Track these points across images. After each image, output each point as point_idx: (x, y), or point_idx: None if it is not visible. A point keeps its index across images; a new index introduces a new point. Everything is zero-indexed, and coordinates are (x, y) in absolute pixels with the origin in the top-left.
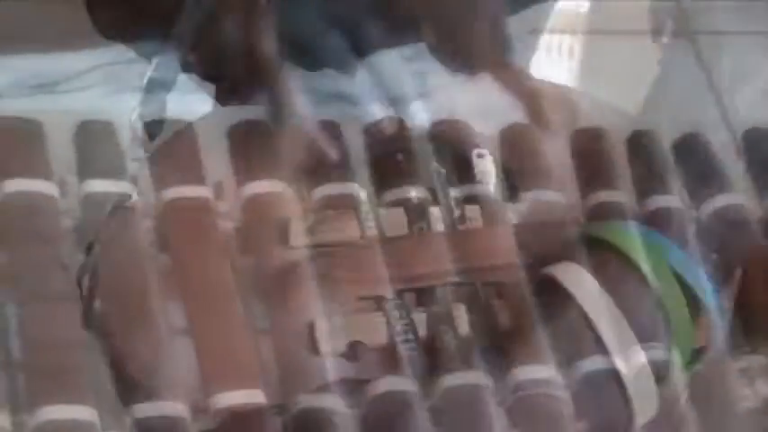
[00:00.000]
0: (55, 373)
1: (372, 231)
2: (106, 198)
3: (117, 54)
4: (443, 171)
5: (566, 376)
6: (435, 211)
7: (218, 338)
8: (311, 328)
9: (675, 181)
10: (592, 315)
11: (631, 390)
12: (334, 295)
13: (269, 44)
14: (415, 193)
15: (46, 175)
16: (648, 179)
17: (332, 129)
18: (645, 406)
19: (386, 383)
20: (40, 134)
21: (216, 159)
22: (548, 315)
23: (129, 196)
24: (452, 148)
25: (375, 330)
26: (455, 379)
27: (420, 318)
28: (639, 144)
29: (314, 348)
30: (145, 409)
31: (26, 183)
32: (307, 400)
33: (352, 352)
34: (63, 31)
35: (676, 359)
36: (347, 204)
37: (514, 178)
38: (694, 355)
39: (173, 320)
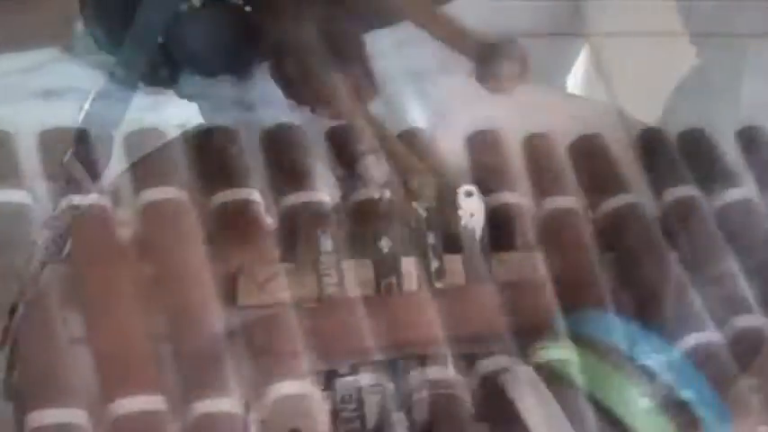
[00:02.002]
0: None
1: (333, 289)
2: (2, 207)
3: (9, 62)
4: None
5: None
6: (408, 263)
7: (118, 345)
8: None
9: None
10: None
11: None
12: (272, 370)
13: None
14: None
15: None
16: (665, 175)
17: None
18: None
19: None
20: None
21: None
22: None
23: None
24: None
25: (315, 415)
26: None
27: (372, 400)
28: (649, 142)
29: None
30: (42, 417)
31: None
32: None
33: None
34: None
35: None
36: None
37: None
38: None
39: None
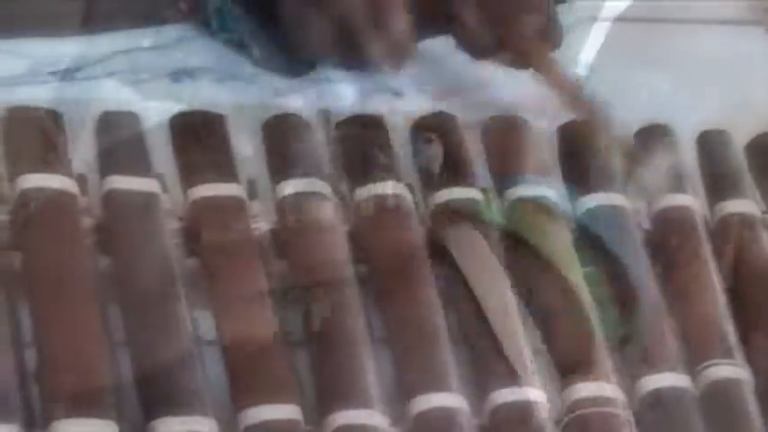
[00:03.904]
0: (73, 385)
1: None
2: (130, 196)
3: (138, 39)
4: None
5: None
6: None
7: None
8: None
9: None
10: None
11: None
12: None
13: None
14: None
15: (65, 169)
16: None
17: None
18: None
19: (432, 400)
20: (60, 125)
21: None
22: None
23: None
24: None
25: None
26: None
27: None
28: (710, 145)
29: None
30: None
31: (44, 178)
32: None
33: None
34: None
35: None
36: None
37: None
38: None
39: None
